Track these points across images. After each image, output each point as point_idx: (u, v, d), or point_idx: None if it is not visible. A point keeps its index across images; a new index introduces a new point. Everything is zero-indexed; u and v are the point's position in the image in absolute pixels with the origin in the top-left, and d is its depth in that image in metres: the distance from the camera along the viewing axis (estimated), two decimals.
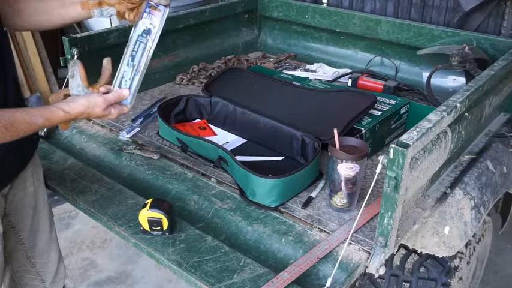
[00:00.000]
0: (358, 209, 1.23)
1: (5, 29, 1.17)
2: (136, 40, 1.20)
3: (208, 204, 1.34)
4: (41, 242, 1.43)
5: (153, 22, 1.19)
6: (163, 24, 1.20)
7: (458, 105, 1.20)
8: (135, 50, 1.20)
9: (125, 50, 1.22)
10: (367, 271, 1.14)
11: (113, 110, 1.17)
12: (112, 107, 1.17)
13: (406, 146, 0.99)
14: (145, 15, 1.19)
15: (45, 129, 1.70)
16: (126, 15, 1.23)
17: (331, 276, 1.06)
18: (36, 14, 1.24)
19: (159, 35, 1.20)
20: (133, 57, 1.20)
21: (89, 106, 1.13)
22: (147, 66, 1.21)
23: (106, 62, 1.21)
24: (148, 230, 1.21)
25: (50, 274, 1.48)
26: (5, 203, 1.28)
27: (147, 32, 1.19)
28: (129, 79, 1.20)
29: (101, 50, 1.78)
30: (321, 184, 1.39)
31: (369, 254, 1.13)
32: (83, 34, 1.75)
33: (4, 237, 1.34)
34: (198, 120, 1.75)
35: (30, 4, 1.23)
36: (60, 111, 1.10)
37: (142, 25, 1.20)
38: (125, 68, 1.21)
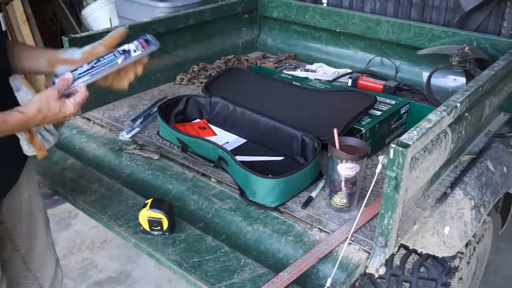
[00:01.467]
0: (358, 209, 1.23)
1: (4, 29, 1.17)
2: (112, 52, 1.19)
3: (208, 204, 1.34)
4: (37, 248, 1.42)
5: (137, 50, 1.20)
6: (140, 57, 1.21)
7: (458, 105, 1.20)
8: (105, 57, 1.17)
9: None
10: (367, 271, 1.14)
11: (67, 101, 1.10)
12: (66, 98, 1.10)
13: (406, 146, 0.99)
14: (135, 42, 1.20)
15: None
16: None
17: (331, 276, 1.06)
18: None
19: (131, 61, 1.20)
20: (98, 60, 1.17)
21: (41, 101, 1.07)
22: (100, 77, 1.18)
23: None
24: (148, 230, 1.21)
25: (48, 279, 1.47)
26: (1, 210, 1.28)
27: (126, 52, 1.19)
28: (81, 73, 1.15)
29: None
30: (321, 184, 1.39)
31: (369, 254, 1.13)
32: (83, 34, 1.75)
33: (1, 245, 1.33)
34: (198, 120, 1.75)
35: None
36: (15, 112, 1.05)
37: (126, 45, 1.20)
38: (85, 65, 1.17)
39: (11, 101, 1.16)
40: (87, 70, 1.15)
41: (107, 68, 1.17)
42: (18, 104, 1.20)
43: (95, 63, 1.16)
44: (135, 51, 1.19)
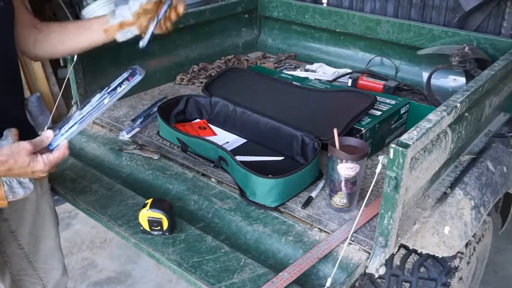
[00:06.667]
0: (358, 209, 1.23)
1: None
2: (96, 94, 1.18)
3: (208, 204, 1.34)
4: (44, 249, 1.42)
5: (121, 85, 1.19)
6: (127, 90, 1.20)
7: (458, 105, 1.20)
8: (91, 101, 1.16)
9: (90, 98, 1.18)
10: (367, 271, 1.14)
11: (39, 157, 1.05)
12: (39, 154, 1.05)
13: (406, 146, 0.99)
14: (120, 77, 1.20)
15: (45, 129, 1.70)
16: (148, 26, 1.26)
17: (331, 276, 1.06)
18: (56, 42, 1.27)
19: (119, 96, 1.19)
20: (84, 105, 1.16)
21: (12, 152, 1.02)
22: (88, 123, 1.18)
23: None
24: (148, 230, 1.21)
25: (52, 280, 1.48)
26: (3, 208, 1.28)
27: (112, 90, 1.18)
28: (70, 126, 1.13)
29: (101, 50, 1.79)
30: (321, 184, 1.39)
31: (369, 254, 1.13)
32: None
33: (4, 241, 1.34)
34: (198, 120, 1.75)
35: (51, 34, 1.26)
36: None
37: (112, 83, 1.20)
38: (75, 114, 1.15)
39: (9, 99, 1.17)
40: (77, 122, 1.13)
41: (95, 112, 1.15)
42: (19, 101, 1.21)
43: (85, 111, 1.14)
44: (120, 86, 1.18)
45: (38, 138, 1.08)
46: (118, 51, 1.86)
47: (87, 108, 1.15)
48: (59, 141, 1.10)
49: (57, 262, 1.48)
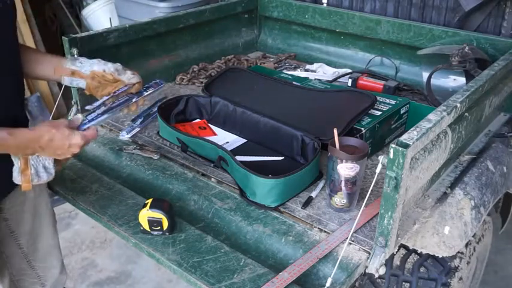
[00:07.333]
0: (358, 209, 1.23)
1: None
2: (126, 95, 1.34)
3: (208, 204, 1.34)
4: (42, 247, 1.42)
5: (148, 90, 1.39)
6: (151, 94, 1.41)
7: (458, 105, 1.20)
8: (120, 99, 1.31)
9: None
10: (367, 271, 1.14)
11: (76, 131, 1.14)
12: (77, 130, 1.15)
13: (406, 146, 0.99)
14: (147, 84, 1.40)
15: None
16: (95, 92, 1.32)
17: (331, 276, 1.06)
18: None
19: (145, 97, 1.38)
20: (113, 102, 1.30)
21: (54, 124, 1.09)
22: (117, 115, 1.34)
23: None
24: (148, 230, 1.21)
25: (50, 279, 1.48)
26: (3, 208, 1.28)
27: (139, 92, 1.36)
28: (98, 114, 1.25)
29: (101, 50, 1.79)
30: (321, 184, 1.39)
31: (369, 254, 1.13)
32: (83, 34, 1.74)
33: (4, 241, 1.34)
34: (198, 120, 1.75)
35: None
36: (24, 129, 1.07)
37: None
38: (101, 105, 1.29)
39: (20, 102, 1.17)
40: (104, 111, 1.26)
41: (122, 106, 1.31)
42: (18, 100, 1.22)
43: (111, 105, 1.28)
44: (146, 91, 1.38)
45: (69, 119, 1.17)
46: (118, 51, 1.87)
47: (116, 102, 1.29)
48: (86, 126, 1.20)
49: (55, 260, 1.48)
